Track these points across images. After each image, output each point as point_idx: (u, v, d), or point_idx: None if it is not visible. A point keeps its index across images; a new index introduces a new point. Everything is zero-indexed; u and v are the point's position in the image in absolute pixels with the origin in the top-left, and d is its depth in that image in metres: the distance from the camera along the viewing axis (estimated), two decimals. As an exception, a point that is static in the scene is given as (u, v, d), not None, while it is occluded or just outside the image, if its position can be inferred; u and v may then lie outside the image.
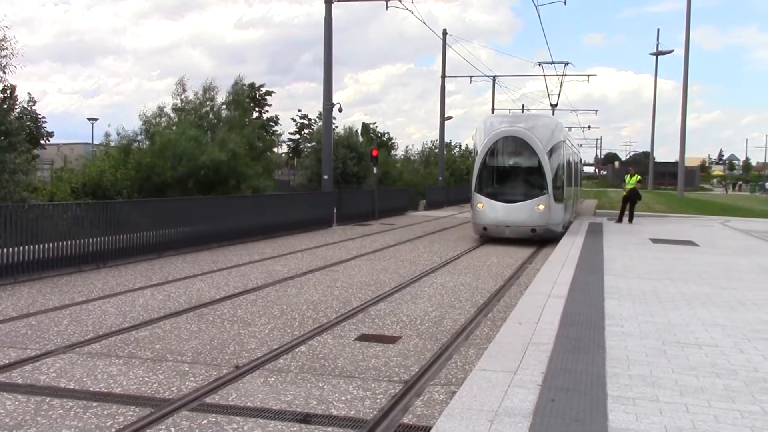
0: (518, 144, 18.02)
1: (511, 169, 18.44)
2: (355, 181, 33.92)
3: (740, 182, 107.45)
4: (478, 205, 18.18)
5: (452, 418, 4.43)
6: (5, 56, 17.17)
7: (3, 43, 17.19)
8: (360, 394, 5.82)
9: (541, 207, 17.57)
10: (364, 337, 7.80)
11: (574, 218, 25.05)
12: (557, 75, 31.55)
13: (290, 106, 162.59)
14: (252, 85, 45.67)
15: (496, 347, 6.24)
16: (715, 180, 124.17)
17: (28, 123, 33.92)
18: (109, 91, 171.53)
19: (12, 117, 21.00)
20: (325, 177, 24.97)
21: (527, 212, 17.61)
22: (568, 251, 14.10)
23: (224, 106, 30.96)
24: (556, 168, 18.22)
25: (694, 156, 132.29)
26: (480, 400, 4.77)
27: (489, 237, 18.54)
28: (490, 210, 17.93)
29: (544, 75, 63.07)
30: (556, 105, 28.92)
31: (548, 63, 28.51)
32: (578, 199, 31.79)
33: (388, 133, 63.50)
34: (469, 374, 5.51)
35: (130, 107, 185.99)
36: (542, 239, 17.97)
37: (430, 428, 4.43)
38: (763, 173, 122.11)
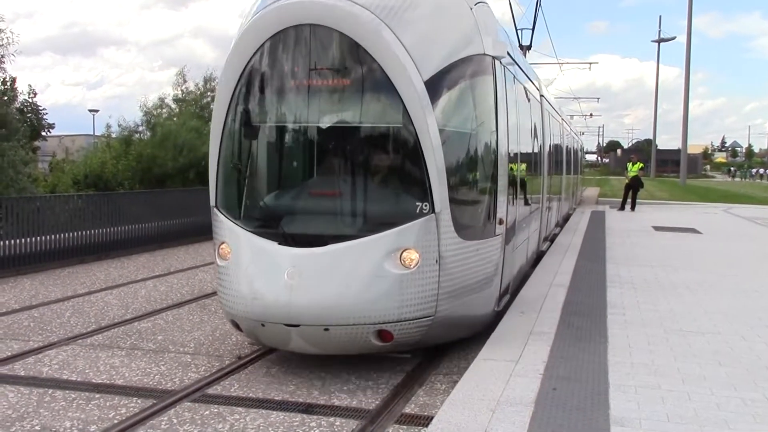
0: (335, 52, 5.79)
1: (322, 137, 6.14)
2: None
3: (734, 168, 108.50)
4: (222, 251, 6.38)
5: (454, 408, 4.43)
6: (2, 45, 17.08)
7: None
8: (362, 384, 5.82)
9: (410, 256, 5.57)
10: (366, 327, 7.78)
11: (572, 212, 21.40)
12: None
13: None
14: (253, 75, 45.53)
15: (498, 336, 6.23)
16: (707, 167, 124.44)
17: (29, 115, 33.85)
18: (111, 83, 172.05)
19: (12, 109, 20.93)
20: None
21: (359, 280, 5.51)
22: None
23: (225, 97, 30.92)
24: (474, 129, 6.30)
25: (697, 143, 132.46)
26: (482, 389, 4.77)
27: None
28: (255, 272, 5.79)
29: None
30: (529, 47, 16.92)
31: None
32: (577, 190, 25.75)
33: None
34: (471, 364, 5.51)
35: (132, 98, 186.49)
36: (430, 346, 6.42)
37: (432, 417, 4.43)
38: (765, 160, 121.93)
